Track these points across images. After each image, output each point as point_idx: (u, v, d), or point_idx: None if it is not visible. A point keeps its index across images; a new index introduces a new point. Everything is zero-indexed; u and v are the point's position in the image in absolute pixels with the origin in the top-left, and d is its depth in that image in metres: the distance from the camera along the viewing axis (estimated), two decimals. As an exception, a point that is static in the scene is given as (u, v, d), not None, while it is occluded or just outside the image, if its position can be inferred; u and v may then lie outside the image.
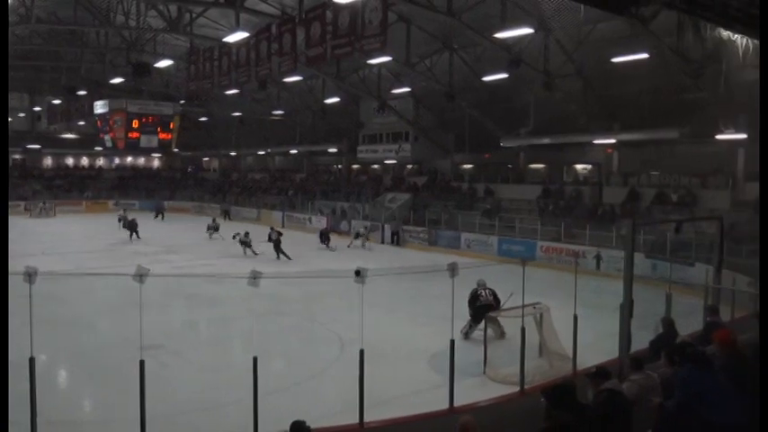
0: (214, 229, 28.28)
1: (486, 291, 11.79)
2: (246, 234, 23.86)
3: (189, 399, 8.84)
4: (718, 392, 4.33)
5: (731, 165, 21.02)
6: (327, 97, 33.23)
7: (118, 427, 7.56)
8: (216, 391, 8.94)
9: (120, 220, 28.94)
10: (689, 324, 9.01)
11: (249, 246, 23.31)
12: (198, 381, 9.67)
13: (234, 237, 23.91)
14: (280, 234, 23.13)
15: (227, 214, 38.54)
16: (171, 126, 36.97)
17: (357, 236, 26.79)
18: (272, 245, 22.69)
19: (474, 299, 11.69)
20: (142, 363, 6.12)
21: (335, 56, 17.52)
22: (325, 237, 26.58)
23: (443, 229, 26.73)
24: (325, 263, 21.85)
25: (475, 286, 11.93)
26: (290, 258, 22.11)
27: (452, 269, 7.70)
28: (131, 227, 27.48)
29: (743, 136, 18.56)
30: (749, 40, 12.53)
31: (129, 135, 35.48)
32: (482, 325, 11.20)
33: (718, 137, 19.37)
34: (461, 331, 11.33)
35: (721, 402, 4.28)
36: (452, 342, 7.52)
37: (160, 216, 36.64)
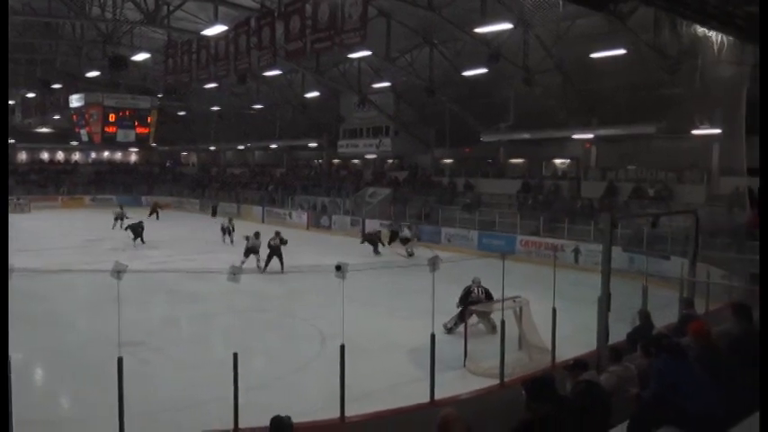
0: (228, 231, 24.72)
1: (480, 289, 11.79)
2: (230, 220, 23.40)
3: (169, 396, 8.77)
4: (693, 382, 4.41)
5: (706, 160, 21.36)
6: (307, 91, 33.06)
7: (97, 425, 7.47)
8: (196, 388, 8.89)
9: (116, 219, 27.70)
10: (665, 316, 9.18)
11: (230, 233, 22.53)
12: (178, 378, 9.60)
13: (246, 238, 19.46)
14: (283, 242, 18.87)
15: (214, 210, 37.75)
16: (148, 120, 36.48)
17: (405, 240, 22.83)
18: (267, 251, 18.75)
19: (466, 295, 11.70)
20: (120, 360, 6.07)
21: (315, 50, 17.45)
22: (373, 241, 22.89)
23: (424, 223, 26.80)
24: (305, 258, 21.81)
25: (469, 283, 12.03)
26: (282, 270, 18.32)
27: (433, 263, 7.75)
28: (136, 231, 24.22)
29: (717, 131, 18.87)
30: (724, 37, 12.70)
31: (106, 129, 34.92)
32: (471, 320, 11.30)
33: (694, 132, 19.67)
34: (445, 325, 11.37)
35: (696, 392, 4.36)
36: (433, 336, 7.58)
37: (155, 215, 33.69)
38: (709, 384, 4.41)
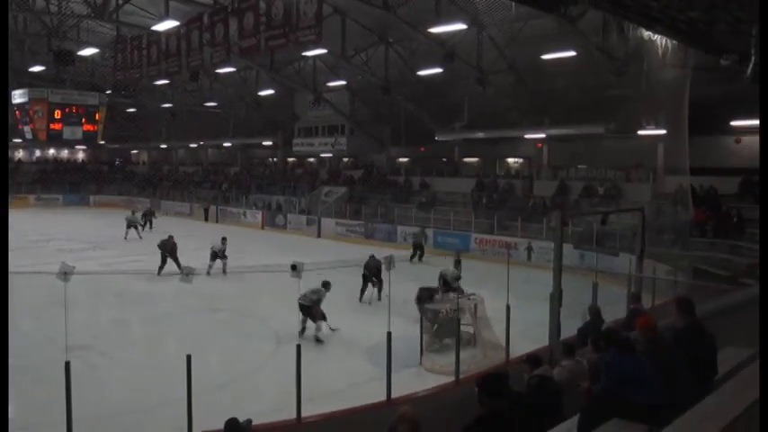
0: (135, 225, 25.75)
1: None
2: (133, 212, 22.85)
3: (120, 400, 8.55)
4: (641, 375, 4.54)
5: (652, 159, 22.08)
6: (262, 89, 32.67)
7: (44, 431, 7.23)
8: (148, 392, 8.69)
9: (129, 227, 25.21)
10: (614, 311, 9.43)
11: (136, 227, 22.01)
12: (129, 381, 9.36)
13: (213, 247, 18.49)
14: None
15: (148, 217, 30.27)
16: (96, 117, 35.35)
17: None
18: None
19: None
20: (68, 364, 5.89)
21: (270, 47, 17.20)
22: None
23: (380, 222, 26.85)
24: (260, 258, 21.57)
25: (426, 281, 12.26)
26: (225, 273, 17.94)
27: (389, 262, 7.78)
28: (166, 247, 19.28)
29: (662, 132, 19.50)
30: (668, 41, 13.15)
31: (52, 126, 33.68)
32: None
33: (640, 132, 20.28)
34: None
35: (643, 385, 4.49)
36: (389, 334, 7.60)
37: (149, 224, 28.92)
38: (656, 377, 4.55)
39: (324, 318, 11.40)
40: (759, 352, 4.03)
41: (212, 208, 35.68)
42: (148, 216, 28.23)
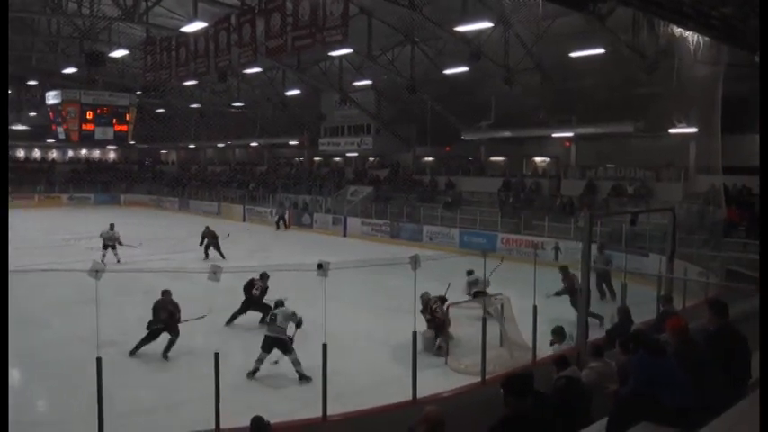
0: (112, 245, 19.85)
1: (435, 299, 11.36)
2: (111, 227, 19.53)
3: (148, 397, 8.68)
4: (671, 378, 4.47)
5: (683, 158, 21.66)
6: (288, 89, 32.90)
7: (75, 426, 7.37)
8: (176, 389, 8.81)
9: (107, 246, 19.73)
10: (643, 313, 9.29)
11: (113, 247, 18.90)
12: (157, 378, 9.51)
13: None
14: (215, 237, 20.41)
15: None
16: (127, 118, 35.93)
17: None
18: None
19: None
20: (99, 360, 6.00)
21: (296, 48, 17.31)
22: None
23: (405, 221, 26.83)
24: (286, 257, 21.71)
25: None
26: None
27: (414, 261, 7.77)
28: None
29: (693, 130, 19.13)
30: (700, 37, 12.88)
31: (83, 127, 34.32)
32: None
33: (671, 131, 19.92)
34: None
35: (673, 387, 4.41)
36: (414, 334, 7.59)
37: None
38: (687, 380, 4.46)
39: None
40: (759, 348, 3.92)
41: (239, 206, 35.92)
42: (209, 239, 20.83)
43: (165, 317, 10.49)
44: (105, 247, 19.12)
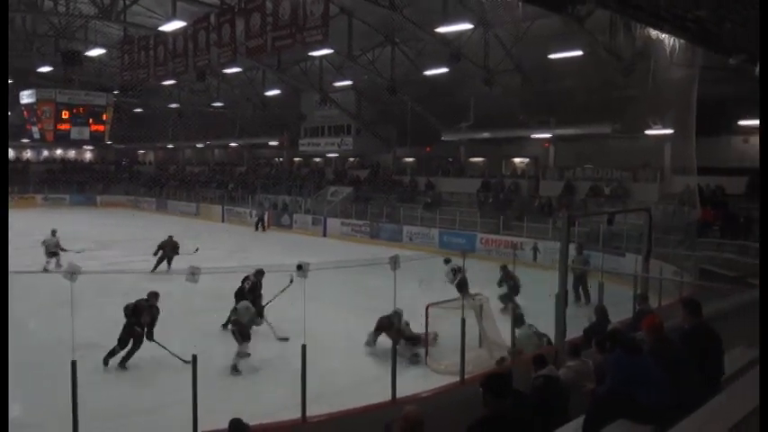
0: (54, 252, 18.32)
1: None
2: (53, 233, 18.45)
3: (126, 399, 8.57)
4: (647, 376, 4.53)
5: (659, 159, 21.98)
6: (268, 89, 32.75)
7: (51, 429, 7.26)
8: (154, 391, 8.71)
9: (51, 253, 18.28)
10: (619, 312, 9.40)
11: (56, 254, 17.79)
12: (135, 381, 9.39)
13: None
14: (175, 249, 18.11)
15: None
16: (104, 117, 35.54)
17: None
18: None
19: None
20: (74, 363, 5.91)
21: (276, 48, 17.23)
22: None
23: (385, 222, 26.85)
24: (264, 257, 21.60)
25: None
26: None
27: (394, 262, 7.78)
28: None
29: (669, 131, 19.42)
30: (676, 40, 13.09)
31: (59, 126, 33.89)
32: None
33: (647, 132, 20.20)
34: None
35: (649, 385, 4.47)
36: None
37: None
38: (662, 378, 4.53)
39: (247, 338, 10.21)
40: (759, 352, 3.99)
41: (218, 207, 35.68)
42: (168, 250, 18.35)
43: (148, 321, 10.04)
44: (51, 254, 17.85)
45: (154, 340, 10.00)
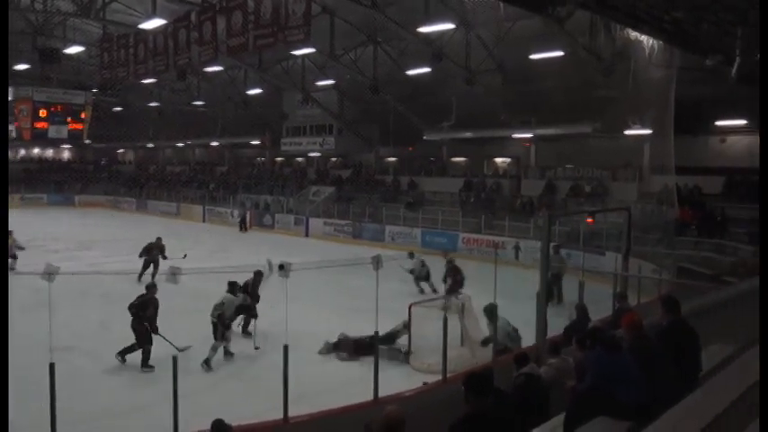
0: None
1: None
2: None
3: (106, 401, 8.47)
4: (626, 374, 4.57)
5: (638, 158, 22.24)
6: (250, 88, 32.58)
7: (27, 433, 7.15)
8: (134, 393, 8.62)
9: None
10: (599, 310, 9.50)
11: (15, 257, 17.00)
12: (115, 382, 9.29)
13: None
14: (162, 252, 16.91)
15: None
16: (82, 116, 35.01)
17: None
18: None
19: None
20: (52, 365, 5.84)
21: (258, 46, 17.11)
22: None
23: (368, 221, 26.84)
24: (245, 257, 21.49)
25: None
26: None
27: (376, 262, 7.78)
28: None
29: (648, 132, 19.66)
30: (654, 41, 13.27)
31: (36, 125, 33.31)
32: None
33: (627, 132, 20.43)
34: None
35: (629, 383, 4.52)
36: (377, 333, 7.60)
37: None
38: (641, 375, 4.58)
39: (224, 338, 10.29)
40: (759, 350, 4.04)
41: (198, 207, 35.40)
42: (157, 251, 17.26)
43: (152, 314, 9.98)
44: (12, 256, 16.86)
45: (159, 333, 9.99)
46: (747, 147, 20.76)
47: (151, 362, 9.72)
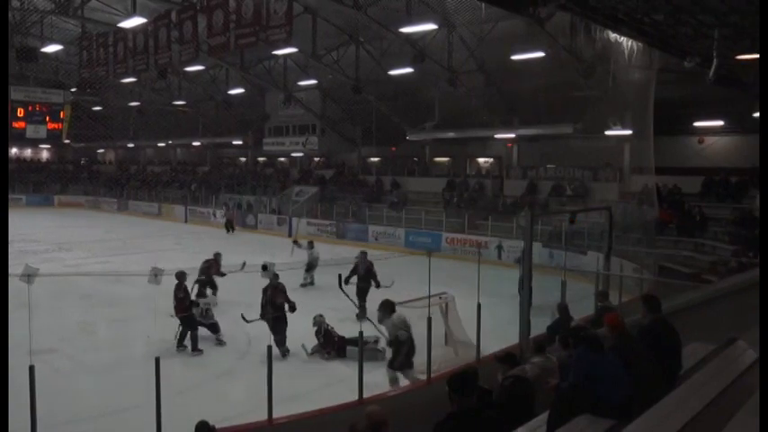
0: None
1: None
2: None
3: (87, 404, 8.38)
4: (609, 372, 4.63)
5: (618, 159, 22.48)
6: (231, 88, 32.34)
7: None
8: (116, 396, 8.53)
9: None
10: (582, 309, 9.58)
11: None
12: (97, 385, 9.19)
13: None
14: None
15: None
16: (61, 115, 34.46)
17: None
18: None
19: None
20: (32, 368, 5.76)
21: (239, 46, 17.08)
22: None
23: (351, 221, 26.81)
24: (229, 258, 21.39)
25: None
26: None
27: (362, 258, 7.77)
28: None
29: (628, 132, 19.87)
30: (634, 43, 13.42)
31: (14, 125, 32.79)
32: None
33: (607, 133, 20.63)
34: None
35: (611, 381, 4.57)
36: (361, 334, 7.60)
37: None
38: (623, 374, 4.63)
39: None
40: (759, 348, 4.09)
41: (180, 207, 35.08)
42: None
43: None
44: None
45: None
46: (725, 147, 21.11)
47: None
